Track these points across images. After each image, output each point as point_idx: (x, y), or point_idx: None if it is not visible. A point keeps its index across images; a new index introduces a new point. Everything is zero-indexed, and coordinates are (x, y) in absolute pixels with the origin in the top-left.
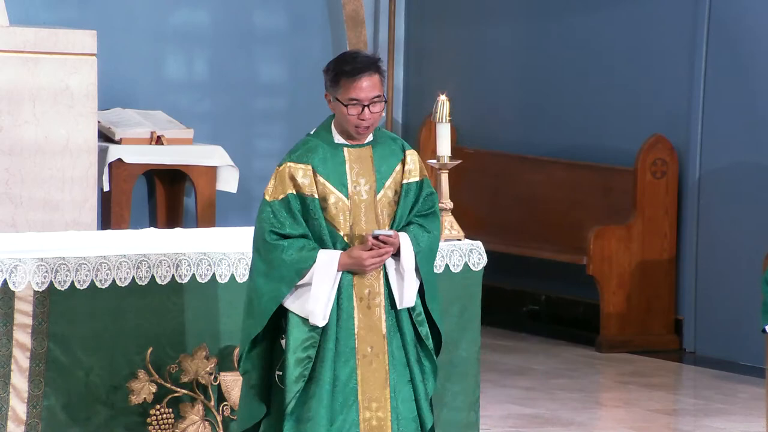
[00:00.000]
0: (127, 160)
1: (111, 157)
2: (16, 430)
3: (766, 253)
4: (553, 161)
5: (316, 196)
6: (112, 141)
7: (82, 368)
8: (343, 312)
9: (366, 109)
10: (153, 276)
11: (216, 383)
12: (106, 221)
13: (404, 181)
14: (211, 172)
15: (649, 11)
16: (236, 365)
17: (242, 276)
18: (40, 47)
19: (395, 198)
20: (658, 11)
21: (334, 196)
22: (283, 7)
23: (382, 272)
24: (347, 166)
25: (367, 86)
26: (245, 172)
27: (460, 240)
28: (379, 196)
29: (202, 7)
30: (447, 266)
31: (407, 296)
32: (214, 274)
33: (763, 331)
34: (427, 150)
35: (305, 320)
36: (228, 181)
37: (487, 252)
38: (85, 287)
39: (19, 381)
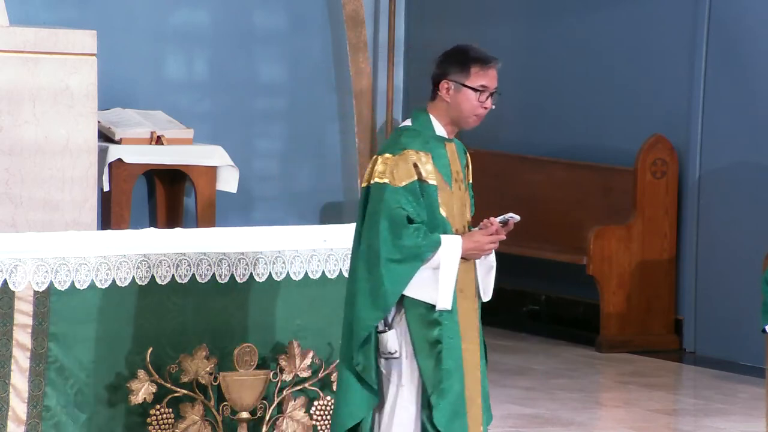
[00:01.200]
0: (127, 160)
1: (111, 157)
2: (16, 430)
3: (766, 253)
4: (553, 161)
5: (436, 183)
6: (112, 141)
7: (82, 368)
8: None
9: (490, 98)
10: (153, 276)
11: (216, 383)
12: (106, 221)
13: (469, 181)
14: (211, 172)
15: (649, 11)
16: (342, 358)
17: (242, 276)
18: (40, 47)
19: (471, 194)
20: (658, 11)
21: (444, 185)
22: (283, 7)
23: (473, 264)
24: (449, 158)
25: (494, 75)
26: (245, 172)
27: None
28: (464, 189)
29: (202, 7)
30: None
31: (491, 288)
32: (214, 274)
33: (763, 331)
34: None
35: (427, 306)
36: (228, 181)
37: None
38: (85, 287)
39: (19, 381)
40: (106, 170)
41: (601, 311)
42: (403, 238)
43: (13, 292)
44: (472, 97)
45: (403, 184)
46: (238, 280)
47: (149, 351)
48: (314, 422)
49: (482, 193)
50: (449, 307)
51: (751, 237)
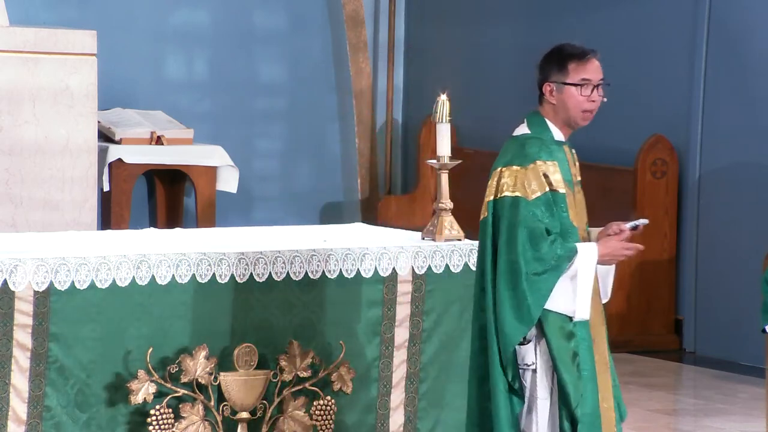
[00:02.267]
0: (127, 160)
1: (111, 157)
2: (16, 430)
3: (766, 253)
4: None
5: (565, 192)
6: (112, 141)
7: (82, 368)
8: None
9: (595, 90)
10: (153, 276)
11: (216, 383)
12: (106, 221)
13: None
14: (211, 172)
15: (649, 11)
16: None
17: (242, 276)
18: (40, 47)
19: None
20: (658, 11)
21: (568, 191)
22: (283, 7)
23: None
24: (569, 162)
25: (595, 67)
26: (245, 172)
27: (460, 240)
28: (579, 190)
29: (202, 7)
30: (447, 266)
31: (610, 289)
32: (214, 274)
33: (763, 331)
34: (427, 150)
35: (564, 318)
36: (228, 181)
37: None
38: (85, 287)
39: (19, 381)
40: (106, 170)
41: None
42: (542, 250)
43: (13, 292)
44: (575, 93)
45: (536, 196)
46: (238, 280)
47: (149, 351)
48: (314, 422)
49: (482, 193)
50: (587, 317)
51: (751, 237)
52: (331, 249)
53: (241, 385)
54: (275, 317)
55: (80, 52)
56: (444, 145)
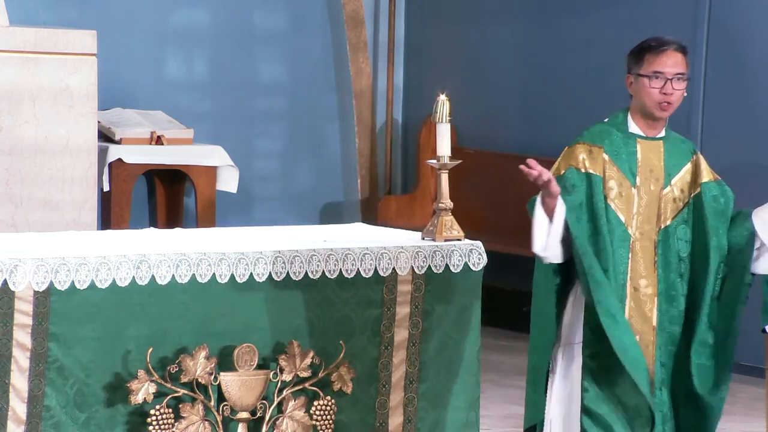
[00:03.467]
0: (127, 160)
1: (111, 157)
2: (16, 430)
3: None
4: (553, 161)
5: (602, 176)
6: (112, 141)
7: (81, 368)
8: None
9: (669, 83)
10: (153, 276)
11: (216, 383)
12: (106, 221)
13: (702, 181)
14: (211, 172)
15: (649, 11)
16: None
17: (242, 276)
18: (40, 47)
19: (680, 196)
20: (658, 11)
21: (622, 181)
22: (283, 7)
23: (657, 265)
24: (638, 155)
25: (671, 61)
26: (245, 172)
27: (460, 240)
28: (665, 191)
29: (202, 7)
30: (447, 266)
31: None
32: (214, 274)
33: (763, 331)
34: (427, 150)
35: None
36: (228, 181)
37: (487, 252)
38: (85, 287)
39: (19, 381)
40: (106, 170)
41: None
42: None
43: (13, 292)
44: (647, 84)
45: (561, 172)
46: (239, 280)
47: (149, 351)
48: (314, 422)
49: (482, 193)
50: (538, 251)
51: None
52: (331, 249)
53: (241, 385)
54: (275, 317)
55: (80, 52)
56: (444, 145)
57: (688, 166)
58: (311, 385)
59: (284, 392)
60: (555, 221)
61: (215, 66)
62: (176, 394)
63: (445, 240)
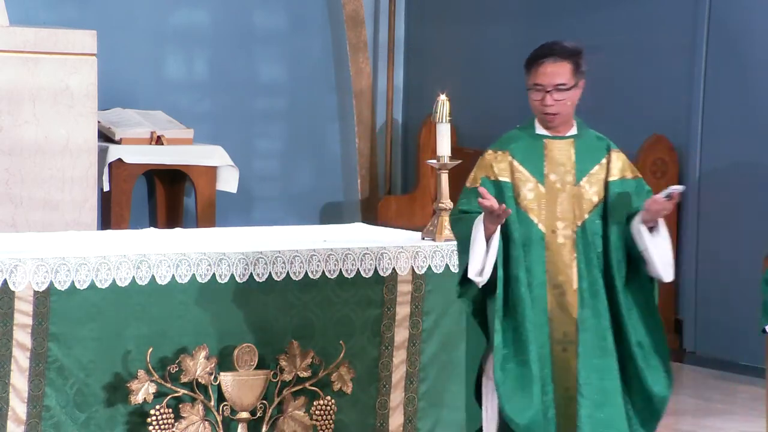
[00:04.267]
0: (127, 160)
1: (111, 157)
2: (16, 430)
3: (766, 253)
4: None
5: (510, 181)
6: (112, 141)
7: (81, 368)
8: (535, 300)
9: (548, 95)
10: (153, 276)
11: (216, 383)
12: (106, 221)
13: (610, 179)
14: (211, 172)
15: (649, 11)
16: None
17: (242, 276)
18: (40, 47)
19: (594, 192)
20: (658, 11)
21: (531, 183)
22: (283, 7)
23: (577, 261)
24: (546, 155)
25: (549, 72)
26: (245, 172)
27: None
28: (577, 188)
29: (202, 7)
30: (447, 266)
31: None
32: (214, 274)
33: (763, 331)
34: (427, 150)
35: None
36: (228, 181)
37: None
38: (85, 287)
39: (19, 381)
40: (106, 170)
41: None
42: (455, 227)
43: (13, 292)
44: (530, 96)
45: (475, 184)
46: (239, 280)
47: (149, 351)
48: (314, 422)
49: None
50: (474, 277)
51: (751, 237)
52: (331, 249)
53: (241, 385)
54: (275, 317)
55: (80, 52)
56: (444, 145)
57: (603, 163)
58: (311, 385)
59: (284, 392)
60: (493, 247)
61: (215, 66)
62: (176, 394)
63: (445, 240)
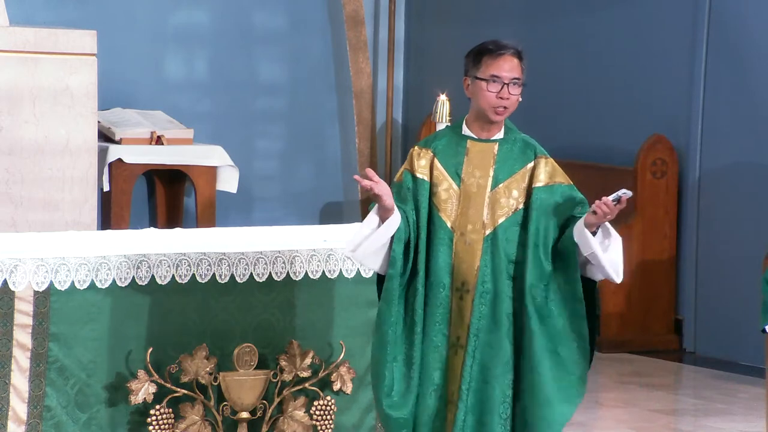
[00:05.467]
0: (127, 160)
1: (111, 157)
2: (16, 430)
3: (766, 253)
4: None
5: (428, 179)
6: (112, 141)
7: (82, 368)
8: (436, 300)
9: (505, 87)
10: (153, 276)
11: (216, 383)
12: (106, 221)
13: (534, 185)
14: (211, 172)
15: (649, 11)
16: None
17: (242, 276)
18: (40, 47)
19: (513, 198)
20: (658, 11)
21: (447, 182)
22: (283, 7)
23: (483, 266)
24: (466, 156)
25: (509, 65)
26: (245, 172)
27: None
28: (492, 192)
29: (202, 7)
30: None
31: (619, 267)
32: (214, 274)
33: (763, 331)
34: None
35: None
36: (228, 181)
37: None
38: (85, 287)
39: (19, 381)
40: (106, 170)
41: (601, 311)
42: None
43: (13, 292)
44: (484, 88)
45: (399, 180)
46: (238, 280)
47: (149, 351)
48: (314, 422)
49: None
50: (347, 251)
51: (751, 237)
52: (331, 249)
53: (241, 385)
54: (275, 317)
55: (80, 52)
56: None
57: (527, 168)
58: (311, 385)
59: (284, 392)
60: (381, 231)
61: (215, 66)
62: (176, 394)
63: None
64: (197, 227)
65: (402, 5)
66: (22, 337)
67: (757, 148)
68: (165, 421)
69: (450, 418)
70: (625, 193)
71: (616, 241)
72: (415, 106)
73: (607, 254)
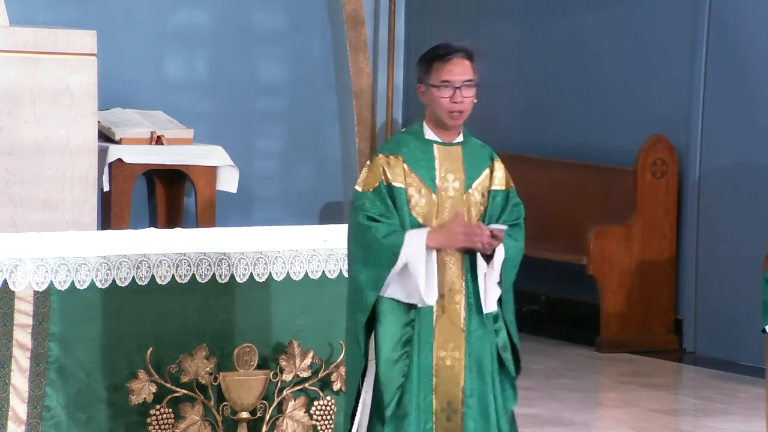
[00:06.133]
0: (127, 160)
1: (111, 157)
2: (16, 430)
3: (766, 253)
4: (553, 161)
5: (404, 186)
6: (112, 141)
7: (82, 368)
8: (419, 313)
9: (458, 91)
10: (153, 276)
11: (216, 383)
12: (106, 221)
13: (492, 188)
14: (211, 172)
15: (649, 11)
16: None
17: (242, 276)
18: (40, 47)
19: (482, 200)
20: (658, 11)
21: (423, 189)
22: (283, 7)
23: (464, 271)
24: (436, 161)
25: (459, 69)
26: (245, 172)
27: None
28: (466, 195)
29: (202, 7)
30: None
31: (490, 301)
32: (214, 274)
33: (763, 331)
34: None
35: (399, 315)
36: (228, 181)
37: None
38: (85, 287)
39: (19, 381)
40: (106, 170)
41: (601, 311)
42: (367, 236)
43: (13, 292)
44: (437, 94)
45: (372, 188)
46: (238, 280)
47: (149, 351)
48: (314, 422)
49: None
50: (428, 301)
51: (751, 237)
52: (331, 249)
53: (241, 385)
54: (275, 317)
55: (80, 52)
56: None
57: (486, 171)
58: (311, 385)
59: (284, 392)
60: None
61: (215, 66)
62: (176, 394)
63: None
64: (197, 227)
65: (402, 5)
66: (22, 337)
67: (757, 148)
68: (165, 421)
69: (454, 426)
70: (497, 228)
71: (496, 271)
72: (415, 106)
73: (486, 279)
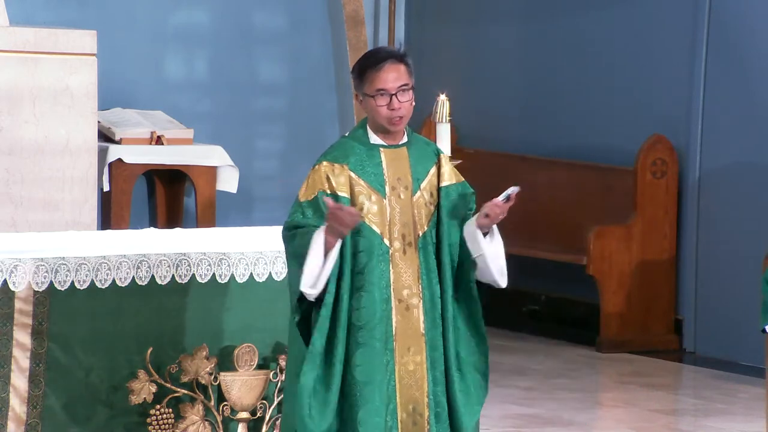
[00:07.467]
0: (127, 160)
1: (111, 157)
2: (16, 430)
3: (766, 253)
4: (553, 161)
5: (348, 196)
6: (112, 141)
7: (82, 368)
8: (374, 317)
9: (394, 98)
10: (153, 276)
11: (216, 383)
12: (106, 221)
13: (442, 184)
14: (211, 172)
15: (649, 11)
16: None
17: (242, 276)
18: (40, 47)
19: (431, 200)
20: (658, 11)
21: (373, 195)
22: (283, 7)
23: (420, 273)
24: (384, 166)
25: (392, 76)
26: (245, 172)
27: None
28: (416, 197)
29: (202, 7)
30: None
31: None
32: (214, 274)
33: (763, 331)
34: None
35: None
36: (228, 181)
37: None
38: (85, 287)
39: (19, 381)
40: (106, 170)
41: (601, 311)
42: (288, 243)
43: (13, 292)
44: (373, 103)
45: (311, 198)
46: (239, 280)
47: (149, 351)
48: None
49: (482, 192)
50: (306, 290)
51: (751, 237)
52: None
53: (241, 385)
54: (275, 317)
55: (80, 52)
56: (444, 145)
57: (434, 170)
58: None
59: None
60: (331, 259)
61: (215, 66)
62: (176, 394)
63: None
64: (197, 227)
65: (402, 5)
66: (22, 337)
67: (757, 148)
68: (165, 421)
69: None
70: (512, 190)
71: (499, 244)
72: (415, 106)
73: (493, 257)
